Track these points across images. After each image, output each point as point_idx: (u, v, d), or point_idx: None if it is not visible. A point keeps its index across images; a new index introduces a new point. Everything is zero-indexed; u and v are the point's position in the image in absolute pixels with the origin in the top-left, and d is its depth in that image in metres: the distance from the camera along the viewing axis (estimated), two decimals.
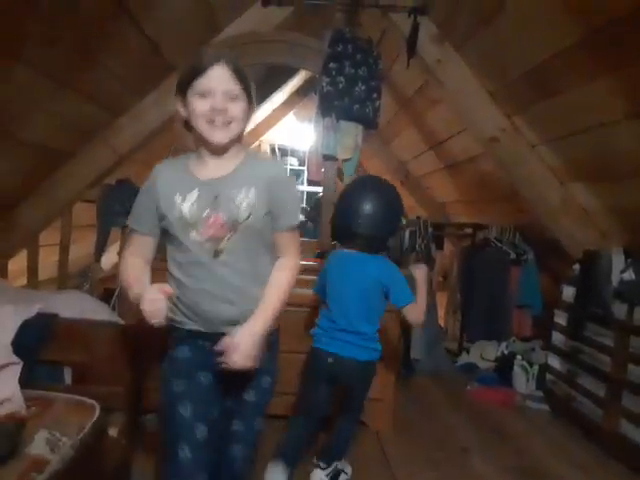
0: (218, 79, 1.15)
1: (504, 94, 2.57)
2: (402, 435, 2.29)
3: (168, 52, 2.51)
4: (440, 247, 3.90)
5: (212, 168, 1.23)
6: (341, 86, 2.60)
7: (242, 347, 1.13)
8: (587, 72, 2.01)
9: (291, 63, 2.82)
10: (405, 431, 2.34)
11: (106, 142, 2.72)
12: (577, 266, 2.62)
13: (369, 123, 2.70)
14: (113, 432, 1.70)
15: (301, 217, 1.57)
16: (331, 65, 2.59)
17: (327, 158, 2.73)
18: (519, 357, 2.97)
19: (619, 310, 2.21)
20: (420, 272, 1.83)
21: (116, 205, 2.82)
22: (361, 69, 2.64)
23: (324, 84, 2.59)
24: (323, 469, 1.84)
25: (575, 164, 2.53)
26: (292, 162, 6.17)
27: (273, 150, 6.06)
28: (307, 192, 6.07)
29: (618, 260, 2.30)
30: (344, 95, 2.61)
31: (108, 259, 3.34)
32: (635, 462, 2.07)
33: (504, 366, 3.03)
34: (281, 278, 1.25)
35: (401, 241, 3.57)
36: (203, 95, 1.16)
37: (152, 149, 3.19)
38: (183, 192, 1.21)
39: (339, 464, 1.87)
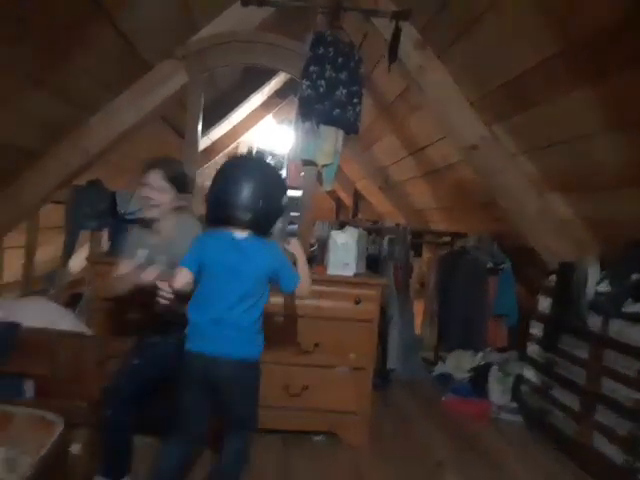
0: None
1: (484, 103, 2.56)
2: (377, 449, 2.25)
3: (144, 50, 2.42)
4: (418, 254, 3.88)
5: None
6: (322, 90, 2.55)
7: None
8: (565, 85, 2.01)
9: (270, 65, 2.75)
10: (380, 445, 2.29)
11: (77, 142, 2.62)
12: (553, 277, 2.62)
13: (350, 128, 2.65)
14: (76, 449, 1.62)
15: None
16: (312, 68, 2.54)
17: (306, 163, 2.67)
18: (494, 368, 2.96)
19: (594, 322, 2.21)
20: (294, 245, 1.69)
21: (86, 207, 2.71)
22: (342, 73, 2.59)
23: (304, 87, 2.54)
24: None
25: (552, 174, 2.54)
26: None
27: (251, 152, 5.98)
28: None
29: (593, 272, 2.30)
30: (324, 99, 2.56)
31: (76, 263, 3.23)
32: (607, 477, 2.06)
33: (479, 376, 3.01)
34: None
35: (379, 248, 3.55)
36: None
37: (125, 150, 3.09)
38: None
39: None
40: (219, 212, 1.53)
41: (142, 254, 1.79)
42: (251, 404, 1.57)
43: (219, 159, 5.69)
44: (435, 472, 2.11)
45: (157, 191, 1.75)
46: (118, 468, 1.68)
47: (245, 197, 1.48)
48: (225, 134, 5.06)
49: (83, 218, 2.70)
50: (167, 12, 2.35)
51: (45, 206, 2.77)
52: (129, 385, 1.66)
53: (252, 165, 1.61)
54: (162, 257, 1.74)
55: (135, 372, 1.70)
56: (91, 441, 1.68)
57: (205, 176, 5.66)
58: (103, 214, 2.66)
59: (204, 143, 4.41)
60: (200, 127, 2.62)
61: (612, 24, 1.63)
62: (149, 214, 1.79)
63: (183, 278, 1.50)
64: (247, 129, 5.39)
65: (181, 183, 1.82)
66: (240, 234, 1.51)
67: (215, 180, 1.57)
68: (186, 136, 2.61)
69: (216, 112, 4.11)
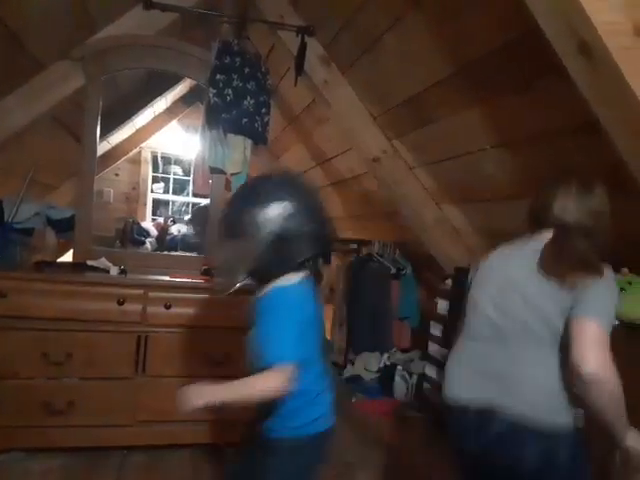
0: None
1: (386, 118, 2.71)
2: None
3: (36, 49, 2.25)
4: (327, 262, 3.97)
5: None
6: (229, 99, 2.55)
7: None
8: (458, 104, 2.19)
9: (174, 70, 2.69)
10: None
11: None
12: (449, 281, 2.83)
13: (258, 138, 2.67)
14: None
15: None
16: (218, 77, 2.53)
17: (214, 171, 2.65)
18: (399, 368, 3.12)
19: None
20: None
21: None
22: (249, 83, 2.61)
23: (211, 95, 2.52)
24: None
25: (447, 186, 2.75)
26: (176, 171, 5.92)
27: (155, 158, 5.76)
28: (192, 203, 5.86)
29: None
30: (232, 108, 2.56)
31: None
32: None
33: (386, 377, 3.16)
34: None
35: None
36: None
37: (14, 154, 2.84)
38: None
39: None
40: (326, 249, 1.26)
41: None
42: None
43: (120, 164, 5.42)
44: (345, 473, 2.17)
45: None
46: None
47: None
48: (126, 139, 4.82)
49: None
50: (61, 10, 2.20)
51: None
52: None
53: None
54: None
55: None
56: None
57: (104, 182, 5.39)
58: None
59: (103, 147, 4.17)
60: (98, 131, 2.49)
61: (493, 53, 1.82)
62: None
63: None
64: (151, 134, 5.18)
65: None
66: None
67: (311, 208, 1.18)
68: (83, 140, 2.47)
69: (117, 115, 3.90)
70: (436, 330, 2.94)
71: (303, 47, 2.53)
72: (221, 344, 2.17)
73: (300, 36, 2.54)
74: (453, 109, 2.24)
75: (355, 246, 3.91)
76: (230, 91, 2.55)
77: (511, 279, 1.23)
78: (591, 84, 1.34)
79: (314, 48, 2.62)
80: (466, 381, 1.22)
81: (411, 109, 2.46)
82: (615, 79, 1.24)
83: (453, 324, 2.69)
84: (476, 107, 2.12)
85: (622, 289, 1.71)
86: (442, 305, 2.89)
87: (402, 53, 2.24)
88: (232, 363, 2.18)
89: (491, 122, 2.13)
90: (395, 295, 3.41)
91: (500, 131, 2.14)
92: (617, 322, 1.74)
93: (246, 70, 2.59)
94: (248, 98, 2.59)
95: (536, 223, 1.32)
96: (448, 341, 2.75)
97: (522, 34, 1.63)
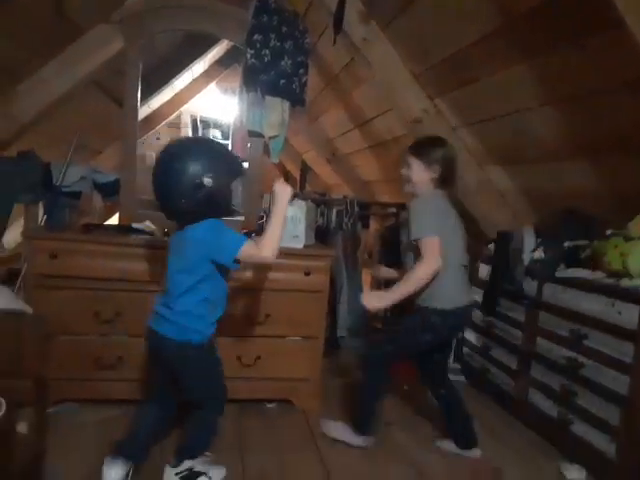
0: None
1: (427, 77, 2.61)
2: (328, 413, 2.33)
3: (75, 13, 2.27)
4: (366, 226, 3.96)
5: None
6: (266, 59, 2.51)
7: None
8: (504, 60, 2.08)
9: (211, 31, 2.66)
10: (331, 409, 2.38)
11: (5, 110, 2.45)
12: (492, 245, 2.77)
13: (296, 99, 2.63)
14: (23, 428, 1.58)
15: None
16: (255, 37, 2.48)
17: (253, 134, 2.64)
18: None
19: (530, 287, 2.36)
20: (281, 189, 1.58)
21: (18, 179, 2.55)
22: (287, 43, 2.55)
23: (248, 56, 2.48)
24: (172, 467, 1.63)
25: (492, 147, 2.65)
26: (215, 135, 5.94)
27: (195, 122, 5.79)
28: None
29: (529, 240, 2.45)
30: (270, 69, 2.52)
31: (11, 238, 3.05)
32: (540, 426, 2.25)
33: None
34: None
35: (328, 220, 3.58)
36: None
37: (59, 119, 2.92)
38: None
39: (195, 464, 1.65)
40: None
41: None
42: (200, 386, 1.63)
43: (160, 129, 5.49)
44: (384, 431, 2.21)
45: None
46: None
47: (162, 200, 1.50)
48: (166, 102, 4.86)
49: (15, 191, 2.54)
50: None
51: None
52: None
53: (162, 160, 1.48)
54: None
55: None
56: (39, 419, 1.64)
57: (147, 146, 5.48)
58: (37, 186, 2.52)
59: (144, 112, 4.23)
60: (139, 95, 2.51)
61: (543, 5, 1.70)
62: None
63: None
64: (190, 98, 5.20)
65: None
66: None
67: None
68: (124, 105, 2.50)
69: (156, 79, 3.94)
70: (476, 295, 2.89)
71: (342, 3, 2.44)
72: (262, 305, 2.22)
73: None
74: (498, 65, 2.13)
75: (394, 210, 3.86)
76: (268, 51, 2.50)
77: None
78: None
79: (353, 4, 2.53)
80: (465, 292, 1.97)
81: (455, 65, 2.35)
82: None
83: (495, 289, 2.66)
84: (523, 64, 2.01)
85: None
86: (483, 270, 2.83)
87: (445, 7, 2.13)
88: (273, 323, 2.23)
89: (539, 79, 2.01)
90: None
91: (548, 89, 2.02)
92: None
93: (283, 29, 2.53)
94: (285, 58, 2.54)
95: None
96: (489, 307, 2.71)
97: None
